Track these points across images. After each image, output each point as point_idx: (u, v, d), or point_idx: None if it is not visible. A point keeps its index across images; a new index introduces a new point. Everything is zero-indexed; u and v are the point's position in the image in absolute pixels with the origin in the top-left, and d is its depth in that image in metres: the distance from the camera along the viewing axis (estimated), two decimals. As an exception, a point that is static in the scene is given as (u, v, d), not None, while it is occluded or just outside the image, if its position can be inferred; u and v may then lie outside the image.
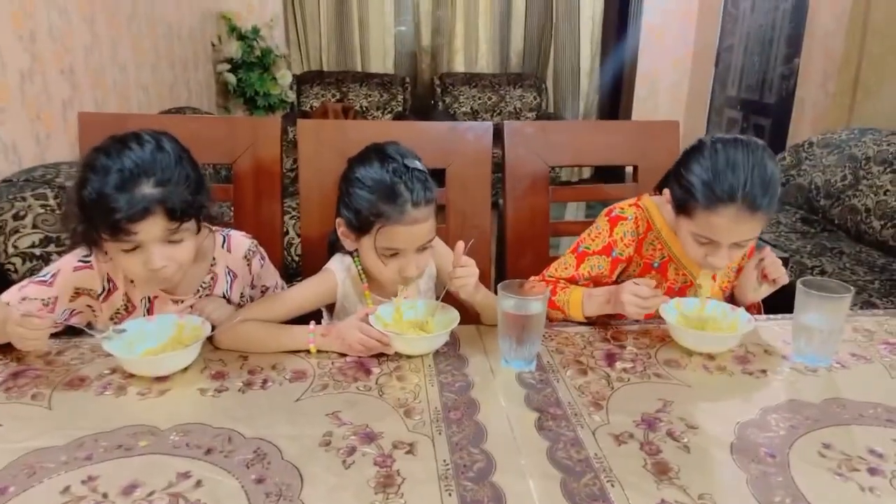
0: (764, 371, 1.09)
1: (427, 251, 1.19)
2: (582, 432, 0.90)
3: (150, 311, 1.20)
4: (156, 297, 1.20)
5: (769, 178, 1.10)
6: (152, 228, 1.02)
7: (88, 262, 1.15)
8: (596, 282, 1.31)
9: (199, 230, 1.12)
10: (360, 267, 1.26)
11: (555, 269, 1.33)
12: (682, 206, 1.17)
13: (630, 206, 1.34)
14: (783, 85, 4.19)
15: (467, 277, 1.14)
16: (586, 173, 5.28)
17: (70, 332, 1.12)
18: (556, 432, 0.90)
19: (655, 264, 1.32)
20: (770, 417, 0.95)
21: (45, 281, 1.12)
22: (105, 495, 0.76)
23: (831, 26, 3.70)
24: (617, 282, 1.34)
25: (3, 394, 0.97)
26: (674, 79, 5.41)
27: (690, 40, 5.31)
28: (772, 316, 1.29)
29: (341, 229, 1.21)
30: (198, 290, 1.23)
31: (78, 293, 1.15)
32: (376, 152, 1.18)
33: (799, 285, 1.10)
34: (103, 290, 1.17)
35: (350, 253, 1.26)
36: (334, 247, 1.31)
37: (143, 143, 1.04)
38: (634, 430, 0.91)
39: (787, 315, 1.27)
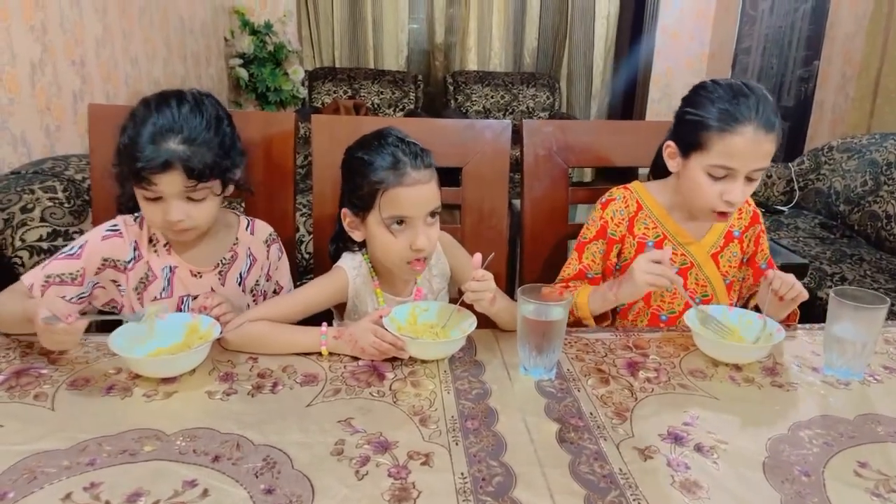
0: (794, 384, 1.04)
1: (436, 227, 1.17)
2: (605, 445, 0.86)
3: (170, 282, 1.20)
4: (176, 267, 1.20)
5: (774, 106, 1.15)
6: (172, 183, 1.07)
7: (117, 229, 1.18)
8: (605, 270, 1.33)
9: (223, 192, 1.15)
10: (370, 264, 1.23)
11: (563, 271, 1.34)
12: (695, 141, 1.18)
13: (617, 189, 1.36)
14: (802, 88, 4.12)
15: (483, 293, 1.09)
16: (589, 173, 5.21)
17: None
18: (579, 445, 0.86)
19: (650, 243, 1.31)
20: (802, 433, 0.90)
21: (72, 255, 1.13)
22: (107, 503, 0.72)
23: (852, 28, 3.64)
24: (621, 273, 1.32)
25: (5, 393, 0.94)
26: (689, 80, 5.25)
27: (706, 41, 5.25)
28: (801, 325, 1.24)
29: (347, 219, 1.19)
30: (217, 265, 1.24)
31: (105, 265, 1.16)
32: (372, 134, 1.18)
33: (832, 295, 1.05)
34: (131, 258, 1.18)
35: (360, 250, 1.24)
36: (337, 251, 1.28)
37: (182, 102, 1.10)
38: (660, 445, 0.87)
39: (817, 325, 1.24)
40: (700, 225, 1.30)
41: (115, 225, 1.18)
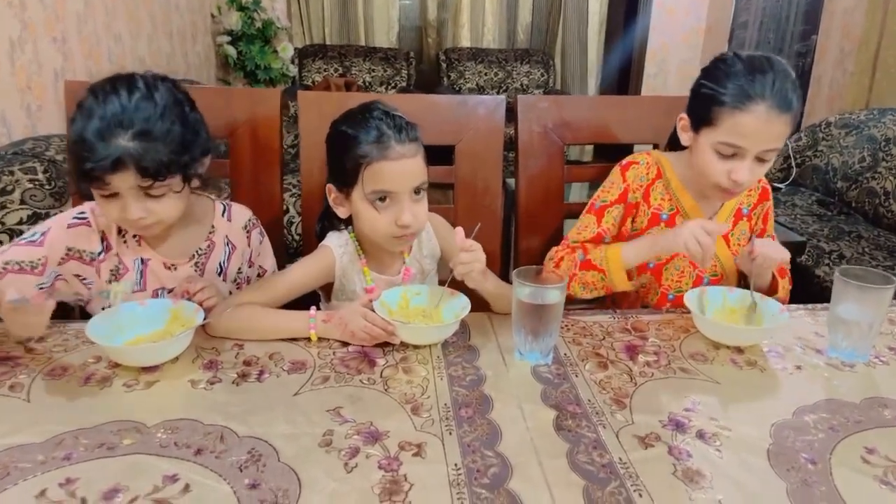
0: (798, 367, 1.01)
1: (423, 203, 1.13)
2: (604, 433, 0.83)
3: (142, 275, 1.14)
4: (149, 259, 1.14)
5: (793, 83, 1.10)
6: (124, 181, 0.98)
7: (85, 218, 1.10)
8: (620, 236, 1.29)
9: (184, 187, 1.05)
10: (357, 242, 1.20)
11: (577, 232, 1.28)
12: (706, 116, 1.14)
13: (641, 154, 1.31)
14: (799, 63, 4.06)
15: (472, 263, 1.05)
16: (590, 152, 5.17)
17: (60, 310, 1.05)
18: (577, 433, 0.83)
19: (664, 216, 1.27)
20: (807, 418, 0.87)
21: (33, 241, 1.06)
22: (84, 501, 0.69)
23: (850, 3, 3.57)
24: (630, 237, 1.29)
25: (-20, 384, 0.90)
26: (685, 56, 5.27)
27: (703, 16, 5.17)
28: (803, 305, 1.21)
29: (332, 195, 1.16)
30: (193, 256, 1.17)
31: (69, 255, 1.09)
32: (358, 108, 1.14)
33: (837, 275, 1.02)
34: (100, 251, 1.11)
35: (346, 228, 1.21)
36: (323, 230, 1.25)
37: (133, 90, 0.99)
38: (661, 432, 0.83)
39: (820, 305, 1.21)
40: (712, 203, 1.27)
41: (82, 213, 1.10)
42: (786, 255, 1.16)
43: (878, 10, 3.28)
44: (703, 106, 1.14)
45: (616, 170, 1.30)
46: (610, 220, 1.27)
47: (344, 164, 1.10)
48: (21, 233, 1.55)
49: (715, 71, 1.15)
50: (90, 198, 1.06)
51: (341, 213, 1.17)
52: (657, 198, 1.28)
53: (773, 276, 1.22)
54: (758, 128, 1.08)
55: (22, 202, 1.58)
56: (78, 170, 0.97)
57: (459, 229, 1.06)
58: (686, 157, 1.25)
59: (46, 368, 0.94)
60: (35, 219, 1.57)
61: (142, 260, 1.13)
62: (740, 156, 1.11)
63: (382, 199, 1.09)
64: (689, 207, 1.26)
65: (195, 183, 1.08)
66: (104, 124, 0.95)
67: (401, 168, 1.08)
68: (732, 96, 1.09)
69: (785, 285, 1.24)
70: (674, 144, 1.29)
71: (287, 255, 2.12)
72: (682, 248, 1.09)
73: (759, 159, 1.12)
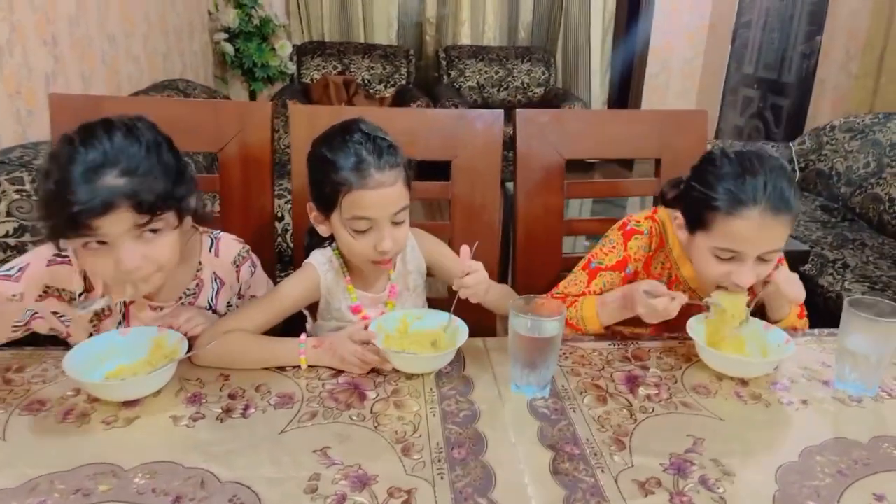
0: (804, 401, 0.97)
1: (403, 226, 1.10)
2: (602, 478, 0.79)
3: (125, 317, 1.09)
4: (132, 301, 1.08)
5: (789, 180, 1.04)
6: (118, 223, 0.90)
7: (66, 256, 1.03)
8: None
9: (179, 224, 0.99)
10: (341, 259, 1.17)
11: (564, 286, 1.24)
12: (699, 220, 1.07)
13: (646, 218, 1.24)
14: (803, 64, 4.02)
15: (477, 286, 1.05)
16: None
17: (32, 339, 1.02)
18: (574, 478, 0.79)
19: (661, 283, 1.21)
20: (814, 460, 0.84)
21: (9, 276, 1.00)
22: (54, 556, 0.65)
23: (856, 4, 3.52)
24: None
25: (-46, 419, 0.86)
26: (687, 55, 5.22)
27: (706, 15, 5.11)
28: (809, 332, 1.18)
29: (313, 214, 1.13)
30: (180, 297, 1.12)
31: (47, 293, 1.03)
32: (339, 127, 1.10)
33: (846, 306, 0.98)
34: (81, 291, 1.05)
35: (330, 245, 1.18)
36: (311, 243, 1.22)
37: (112, 131, 0.93)
38: (662, 476, 0.80)
39: (826, 330, 1.17)
40: None
41: (63, 249, 1.01)
42: (800, 295, 1.10)
43: (884, 12, 3.23)
44: (696, 209, 1.08)
45: (618, 233, 1.24)
46: (600, 284, 1.21)
47: (323, 188, 1.06)
48: (7, 246, 1.52)
49: (703, 172, 1.09)
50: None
51: (322, 231, 1.14)
52: (657, 267, 1.23)
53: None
54: (753, 233, 1.02)
55: (8, 214, 1.54)
56: (61, 218, 0.89)
57: (465, 249, 1.05)
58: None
59: (24, 402, 0.90)
60: (22, 231, 1.53)
61: (124, 303, 1.08)
62: (740, 259, 1.05)
63: (361, 225, 1.06)
64: (689, 277, 1.20)
65: (186, 224, 1.02)
66: (88, 166, 0.89)
67: (380, 196, 1.04)
68: (724, 201, 1.03)
69: (794, 321, 1.20)
70: (665, 199, 1.22)
71: (282, 262, 2.10)
72: (643, 313, 1.06)
73: (762, 259, 1.05)
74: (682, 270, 1.20)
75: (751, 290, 1.09)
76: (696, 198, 1.07)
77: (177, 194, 0.96)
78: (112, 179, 0.89)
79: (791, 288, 1.11)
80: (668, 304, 1.04)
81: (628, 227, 1.23)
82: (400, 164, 1.08)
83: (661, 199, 1.25)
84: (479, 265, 1.06)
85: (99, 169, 0.89)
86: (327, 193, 1.06)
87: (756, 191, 1.01)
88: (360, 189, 1.03)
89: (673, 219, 1.16)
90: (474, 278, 1.04)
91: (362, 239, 1.07)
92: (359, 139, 1.06)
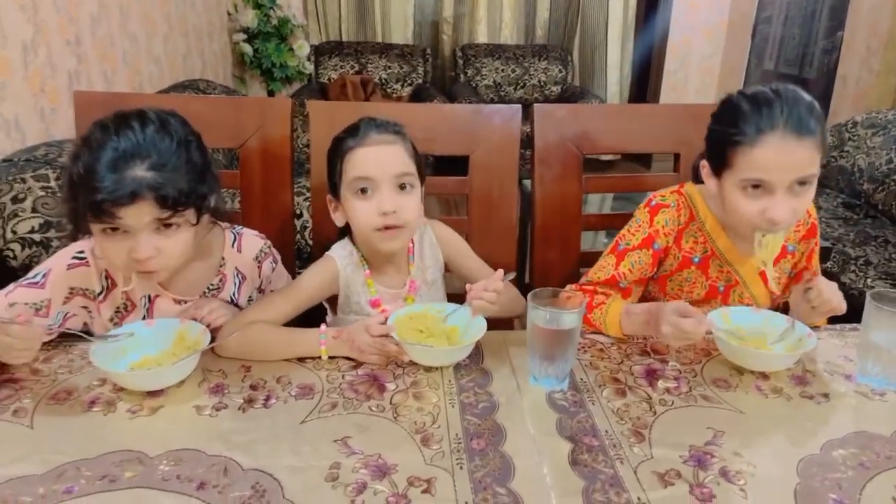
0: (825, 395, 0.97)
1: (411, 196, 1.11)
2: (622, 469, 0.79)
3: (149, 312, 1.11)
4: (157, 296, 1.10)
5: (808, 102, 1.03)
6: (140, 214, 0.93)
7: (84, 258, 1.05)
8: (639, 280, 1.21)
9: (197, 222, 1.01)
10: (361, 252, 1.18)
11: (594, 272, 1.22)
12: (724, 160, 1.07)
13: (672, 192, 1.22)
14: (824, 60, 3.97)
15: (488, 307, 1.03)
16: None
17: (64, 336, 1.03)
18: (593, 468, 0.79)
19: (696, 259, 1.20)
20: (836, 453, 0.83)
21: (35, 283, 1.02)
22: (82, 540, 0.67)
23: (879, -2, 3.47)
24: (656, 279, 1.23)
25: (-16, 408, 0.88)
26: (707, 51, 5.18)
27: (725, 10, 5.06)
28: (830, 326, 1.16)
29: (331, 205, 1.18)
30: (204, 292, 1.13)
31: (72, 293, 1.06)
32: (360, 119, 1.15)
33: (869, 299, 0.97)
34: (102, 289, 1.07)
35: (350, 239, 1.20)
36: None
37: (146, 123, 0.95)
38: (682, 468, 0.80)
39: (848, 325, 1.16)
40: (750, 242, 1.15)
41: (80, 252, 1.05)
42: (842, 306, 1.08)
43: (907, 7, 3.18)
44: (718, 150, 1.08)
45: (644, 210, 1.22)
46: (628, 265, 1.19)
47: (333, 168, 1.12)
48: (32, 242, 1.54)
49: (721, 113, 1.10)
50: (86, 232, 1.00)
51: (337, 220, 1.17)
52: (689, 241, 1.20)
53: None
54: (776, 159, 1.01)
55: (34, 210, 1.57)
56: (85, 203, 0.91)
57: (500, 272, 1.05)
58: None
59: (51, 392, 0.92)
60: (47, 227, 1.56)
61: (149, 297, 1.10)
62: (769, 191, 1.03)
63: (364, 191, 1.09)
64: (725, 249, 1.18)
65: (204, 220, 1.04)
66: (119, 154, 0.91)
67: (377, 153, 1.08)
68: (743, 134, 1.03)
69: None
70: (696, 176, 1.20)
71: (301, 259, 2.11)
72: (666, 332, 1.00)
73: (794, 192, 1.04)
74: (718, 243, 1.18)
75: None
76: (718, 139, 1.08)
77: (200, 192, 0.98)
78: (140, 171, 0.91)
79: (833, 296, 1.07)
80: (696, 326, 0.98)
81: (653, 203, 1.21)
82: (400, 133, 1.13)
83: (692, 178, 1.24)
84: (495, 296, 1.03)
85: (129, 159, 0.91)
86: (333, 169, 1.12)
87: (773, 118, 1.01)
88: (358, 147, 1.09)
89: (701, 168, 1.15)
90: (491, 296, 1.02)
91: (365, 203, 1.09)
92: (366, 119, 1.13)
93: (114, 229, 0.94)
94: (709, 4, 5.04)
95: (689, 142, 1.38)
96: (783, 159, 1.01)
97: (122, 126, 0.93)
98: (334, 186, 1.14)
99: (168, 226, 0.96)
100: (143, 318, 1.10)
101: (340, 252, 1.18)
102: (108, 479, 0.76)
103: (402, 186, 1.10)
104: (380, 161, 1.08)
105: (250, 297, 1.20)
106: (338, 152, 1.11)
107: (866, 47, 3.57)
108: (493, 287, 1.03)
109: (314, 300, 1.17)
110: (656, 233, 1.19)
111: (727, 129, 1.05)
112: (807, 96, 1.05)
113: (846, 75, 3.73)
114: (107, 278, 1.07)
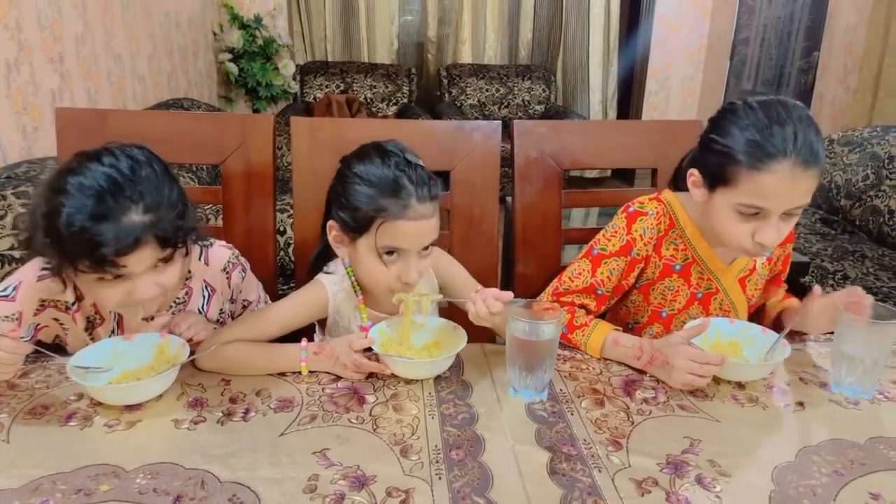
0: (800, 403, 0.98)
1: (429, 257, 1.09)
2: (599, 477, 0.80)
3: (119, 325, 1.11)
4: None
5: (817, 131, 0.98)
6: (142, 260, 0.90)
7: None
8: (616, 289, 1.21)
9: (188, 252, 1.01)
10: (353, 278, 1.14)
11: (568, 278, 1.20)
12: (720, 176, 1.02)
13: (650, 200, 1.21)
14: (801, 79, 4.05)
15: (487, 316, 1.01)
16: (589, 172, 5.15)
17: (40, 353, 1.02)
18: (571, 477, 0.80)
19: (677, 267, 1.20)
20: (811, 460, 0.84)
21: (6, 296, 1.01)
22: (56, 554, 0.66)
23: (853, 19, 3.56)
24: (639, 288, 1.24)
25: (-41, 423, 0.87)
26: (687, 72, 5.27)
27: (705, 32, 5.17)
28: (805, 336, 1.18)
29: (334, 233, 1.10)
30: (171, 307, 1.12)
31: (43, 305, 1.05)
32: (375, 148, 1.07)
33: (843, 311, 0.99)
34: (74, 301, 1.07)
35: (343, 262, 1.16)
36: (318, 262, 1.20)
37: (118, 160, 0.90)
38: (659, 476, 0.81)
39: (822, 336, 1.18)
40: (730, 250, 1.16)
41: (49, 262, 0.99)
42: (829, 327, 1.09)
43: (881, 27, 3.26)
44: (716, 164, 1.02)
45: (621, 216, 1.20)
46: (605, 272, 1.17)
47: (356, 211, 1.03)
48: (13, 258, 1.53)
49: (724, 123, 1.03)
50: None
51: (341, 253, 1.12)
52: (669, 248, 1.19)
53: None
54: (782, 188, 0.96)
55: (14, 227, 1.56)
56: (83, 258, 0.86)
57: (510, 294, 1.00)
58: (700, 203, 1.13)
59: (27, 406, 0.92)
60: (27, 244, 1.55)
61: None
62: (764, 216, 1.00)
63: (390, 253, 1.04)
64: (707, 256, 1.17)
65: (191, 246, 1.02)
66: (111, 203, 0.86)
67: (417, 229, 1.02)
68: (749, 155, 0.97)
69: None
70: (679, 182, 1.19)
71: (284, 276, 2.11)
72: (678, 386, 0.99)
73: (787, 214, 1.01)
74: (699, 250, 1.16)
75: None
76: (718, 151, 1.01)
77: (188, 225, 0.97)
78: (137, 216, 0.88)
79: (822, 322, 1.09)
80: (712, 370, 0.96)
81: (631, 210, 1.19)
82: (438, 196, 1.06)
83: (672, 186, 1.24)
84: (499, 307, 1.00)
85: (122, 205, 0.87)
86: (361, 217, 1.03)
87: (785, 143, 0.95)
88: (400, 219, 1.01)
89: (688, 176, 1.11)
90: (497, 307, 1.00)
91: (389, 267, 1.04)
92: (400, 164, 1.03)
93: (116, 276, 0.90)
94: (689, 27, 5.14)
95: (665, 157, 1.41)
96: (789, 188, 0.97)
97: (99, 169, 0.88)
98: (349, 222, 1.05)
99: (166, 261, 0.95)
100: (113, 330, 1.10)
101: (331, 278, 1.15)
102: (83, 492, 0.75)
103: (425, 248, 1.07)
104: (419, 236, 1.03)
105: (221, 309, 1.19)
106: (365, 200, 1.02)
107: (842, 67, 3.65)
108: (498, 296, 0.99)
109: (299, 323, 1.14)
110: (634, 241, 1.17)
111: (731, 145, 1.00)
112: (812, 119, 1.00)
113: (823, 94, 3.81)
114: (76, 288, 1.06)
